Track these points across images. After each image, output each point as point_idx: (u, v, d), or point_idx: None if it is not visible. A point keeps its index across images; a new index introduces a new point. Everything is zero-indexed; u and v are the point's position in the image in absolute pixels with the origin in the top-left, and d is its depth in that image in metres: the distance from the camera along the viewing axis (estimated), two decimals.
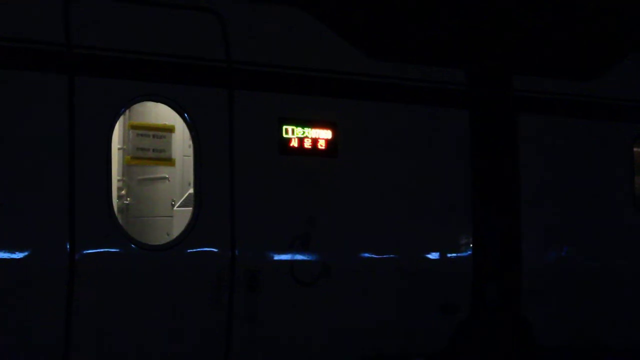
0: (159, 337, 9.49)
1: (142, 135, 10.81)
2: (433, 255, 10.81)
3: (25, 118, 8.98)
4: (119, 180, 11.47)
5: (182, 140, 10.85)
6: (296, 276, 9.99)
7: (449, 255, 10.87)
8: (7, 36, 8.96)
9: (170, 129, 10.76)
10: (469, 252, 10.94)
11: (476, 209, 11.03)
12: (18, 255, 8.84)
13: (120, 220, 9.67)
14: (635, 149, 12.17)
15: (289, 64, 10.15)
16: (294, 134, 10.11)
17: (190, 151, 9.92)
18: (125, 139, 11.24)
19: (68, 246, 9.00)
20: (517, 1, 11.89)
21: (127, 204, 11.53)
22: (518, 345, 11.50)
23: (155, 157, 10.84)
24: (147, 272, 9.37)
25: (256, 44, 10.05)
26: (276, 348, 10.02)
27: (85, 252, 9.08)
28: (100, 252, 9.17)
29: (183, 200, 11.03)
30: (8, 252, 8.80)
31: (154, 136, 10.80)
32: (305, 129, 10.17)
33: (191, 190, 10.35)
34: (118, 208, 11.09)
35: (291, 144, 10.09)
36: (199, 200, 9.61)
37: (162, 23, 9.67)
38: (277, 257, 9.96)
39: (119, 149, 11.18)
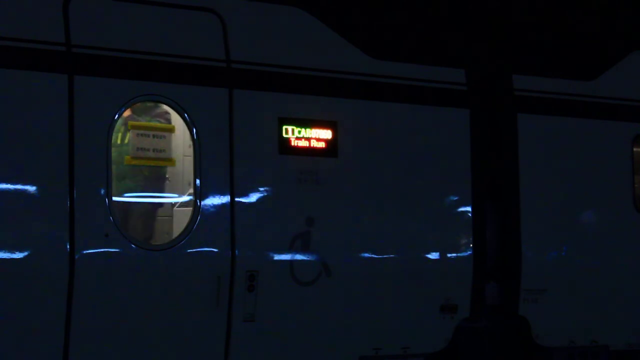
0: (159, 337, 9.49)
1: (142, 135, 10.79)
2: (433, 255, 10.80)
3: (25, 118, 8.98)
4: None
5: (182, 140, 10.83)
6: (296, 276, 9.99)
7: (449, 255, 10.87)
8: (7, 36, 8.97)
9: (170, 129, 10.75)
10: (469, 252, 10.94)
11: (476, 209, 11.03)
12: (18, 255, 8.84)
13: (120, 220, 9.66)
14: (635, 149, 12.18)
15: (289, 64, 10.14)
16: (294, 133, 10.11)
17: (190, 151, 9.92)
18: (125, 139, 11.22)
19: (68, 246, 9.00)
20: (518, 1, 11.90)
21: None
22: (517, 345, 11.51)
23: (155, 157, 10.82)
24: (147, 272, 9.37)
25: (256, 43, 10.05)
26: (276, 348, 10.02)
27: (85, 252, 9.08)
28: (100, 252, 9.17)
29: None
30: (8, 252, 8.80)
31: (154, 136, 10.78)
32: (305, 128, 10.17)
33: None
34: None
35: (291, 144, 10.09)
36: (199, 200, 9.61)
37: (162, 23, 9.66)
38: (276, 257, 9.96)
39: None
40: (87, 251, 9.10)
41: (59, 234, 9.00)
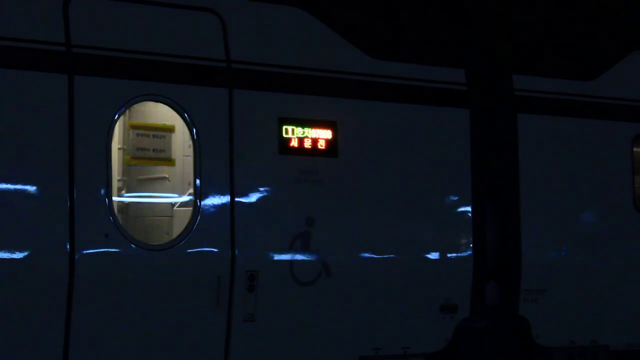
0: (159, 337, 9.49)
1: (142, 135, 10.81)
2: (433, 255, 10.80)
3: (25, 118, 8.98)
4: (119, 180, 11.47)
5: (182, 140, 10.85)
6: (296, 276, 9.99)
7: (449, 255, 10.86)
8: (7, 36, 8.97)
9: (170, 129, 10.76)
10: (469, 252, 10.94)
11: (476, 209, 11.03)
12: (18, 255, 8.84)
13: (120, 220, 9.67)
14: (635, 149, 12.18)
15: (289, 64, 10.14)
16: (294, 133, 10.11)
17: (190, 151, 9.92)
18: (125, 139, 11.24)
19: (68, 246, 9.00)
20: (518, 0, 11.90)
21: (127, 204, 11.54)
22: (517, 345, 11.51)
23: (155, 157, 10.84)
24: (147, 272, 9.37)
25: (256, 43, 10.05)
26: (276, 348, 10.02)
27: (85, 252, 9.08)
28: (100, 252, 9.17)
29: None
30: (8, 252, 8.80)
31: (154, 136, 10.80)
32: (305, 128, 10.17)
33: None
34: (118, 208, 11.09)
35: (291, 144, 10.09)
36: (199, 200, 9.62)
37: (162, 23, 9.67)
38: (276, 257, 9.96)
39: (119, 149, 11.18)
40: (87, 251, 9.10)
41: (59, 234, 9.00)
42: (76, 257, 9.03)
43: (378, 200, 10.49)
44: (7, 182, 8.88)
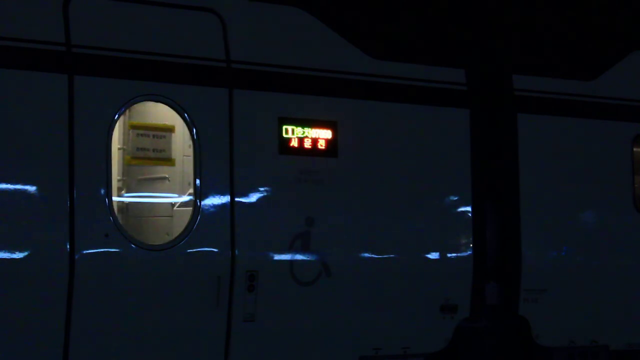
0: (159, 337, 9.49)
1: (142, 135, 10.80)
2: (433, 255, 10.80)
3: (25, 118, 8.98)
4: (119, 180, 11.47)
5: (182, 140, 10.84)
6: (296, 276, 9.99)
7: (449, 255, 10.86)
8: (7, 36, 8.97)
9: (170, 129, 10.76)
10: (469, 252, 10.94)
11: (476, 209, 11.03)
12: (18, 255, 8.84)
13: (120, 220, 9.66)
14: (635, 149, 12.17)
15: (289, 64, 10.14)
16: (294, 133, 10.11)
17: (190, 151, 9.92)
18: (125, 139, 11.24)
19: (68, 246, 9.00)
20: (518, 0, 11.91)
21: (127, 204, 11.53)
22: (517, 345, 11.50)
23: (155, 157, 10.84)
24: (147, 272, 9.37)
25: (256, 43, 10.05)
26: (276, 348, 10.02)
27: (85, 252, 9.08)
28: (100, 252, 9.17)
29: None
30: (8, 252, 8.80)
31: (154, 136, 10.80)
32: (305, 128, 10.17)
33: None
34: (118, 208, 11.08)
35: (291, 144, 10.09)
36: (199, 200, 9.62)
37: (162, 23, 9.66)
38: (276, 257, 9.96)
39: (119, 149, 11.18)
40: (87, 251, 9.10)
41: (59, 234, 9.00)
42: (76, 257, 9.03)
43: (378, 200, 10.49)
44: (7, 182, 8.88)
